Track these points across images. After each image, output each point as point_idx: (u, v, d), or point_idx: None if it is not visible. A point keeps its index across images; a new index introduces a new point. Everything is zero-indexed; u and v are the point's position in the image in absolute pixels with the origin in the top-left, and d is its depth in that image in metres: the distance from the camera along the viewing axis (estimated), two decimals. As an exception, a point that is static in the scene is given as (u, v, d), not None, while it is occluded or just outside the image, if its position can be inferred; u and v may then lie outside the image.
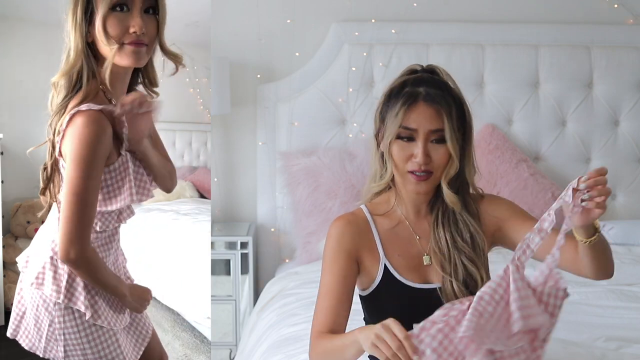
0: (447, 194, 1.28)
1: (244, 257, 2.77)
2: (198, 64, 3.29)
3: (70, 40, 1.30)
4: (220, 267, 2.79)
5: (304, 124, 2.92)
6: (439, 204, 1.34)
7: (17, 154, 3.15)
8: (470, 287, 1.28)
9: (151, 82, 1.43)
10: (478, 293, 1.08)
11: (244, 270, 2.79)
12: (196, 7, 2.93)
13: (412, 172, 1.26)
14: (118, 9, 1.25)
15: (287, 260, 2.91)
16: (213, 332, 2.70)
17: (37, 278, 1.40)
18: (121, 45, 1.27)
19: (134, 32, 1.25)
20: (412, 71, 1.34)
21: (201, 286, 2.60)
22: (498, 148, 2.83)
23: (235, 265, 2.75)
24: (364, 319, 1.39)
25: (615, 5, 3.01)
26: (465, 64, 2.93)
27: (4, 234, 3.01)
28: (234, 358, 2.71)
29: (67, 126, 1.27)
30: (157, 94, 1.45)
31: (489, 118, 2.93)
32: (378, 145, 1.34)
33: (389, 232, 1.34)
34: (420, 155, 1.24)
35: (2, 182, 2.93)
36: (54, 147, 1.32)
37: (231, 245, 2.78)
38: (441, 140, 1.26)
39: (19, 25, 3.03)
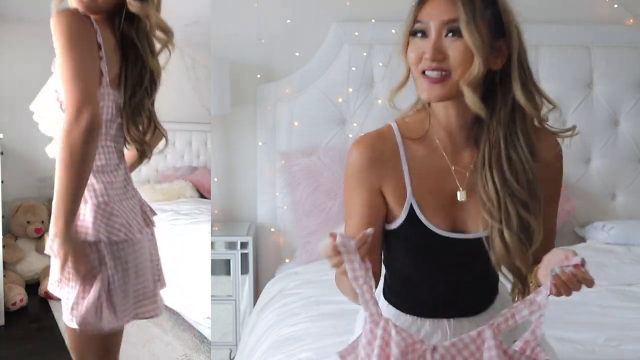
0: (468, 95, 1.07)
1: (244, 257, 2.77)
2: (198, 64, 3.30)
3: None
4: (220, 267, 2.79)
5: (304, 124, 2.92)
6: (485, 136, 1.12)
7: (17, 154, 3.15)
8: (525, 237, 1.10)
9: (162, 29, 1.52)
10: (440, 347, 1.01)
11: (244, 270, 2.78)
12: (196, 7, 2.93)
13: (424, 75, 1.09)
14: None
15: (287, 260, 2.91)
16: (213, 332, 2.70)
17: None
18: None
19: None
20: None
21: (201, 286, 2.60)
22: (498, 148, 2.83)
23: (235, 265, 2.75)
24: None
25: (615, 5, 3.01)
26: (465, 64, 2.93)
27: (4, 234, 3.01)
28: (234, 358, 2.71)
29: None
30: (168, 38, 1.55)
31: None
32: None
33: (420, 162, 1.16)
34: (429, 50, 1.07)
35: (2, 182, 2.93)
36: None
37: (231, 245, 2.78)
38: (458, 33, 1.07)
39: (19, 25, 3.03)
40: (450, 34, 1.08)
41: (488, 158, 1.11)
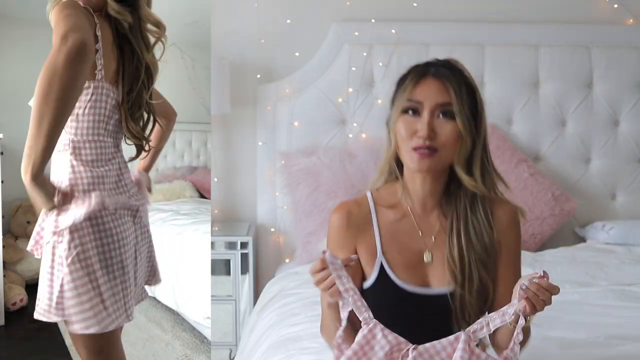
0: (464, 178, 1.23)
1: (244, 257, 2.77)
2: (198, 64, 3.30)
3: None
4: (220, 267, 2.79)
5: (304, 124, 2.92)
6: (453, 207, 1.28)
7: (17, 154, 3.15)
8: (482, 296, 1.25)
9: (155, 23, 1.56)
10: (421, 347, 1.13)
11: (244, 270, 2.78)
12: (196, 7, 2.93)
13: (415, 150, 1.21)
14: None
15: (287, 260, 2.91)
16: (213, 332, 2.70)
17: None
18: None
19: None
20: (427, 62, 1.32)
21: (201, 286, 2.60)
22: (498, 148, 2.83)
23: (235, 265, 2.75)
24: None
25: (615, 5, 3.01)
26: (465, 64, 2.90)
27: (4, 234, 3.01)
28: (234, 358, 2.71)
29: None
30: (161, 32, 1.57)
31: (489, 118, 2.90)
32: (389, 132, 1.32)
33: (391, 226, 1.29)
34: (424, 128, 1.19)
35: (2, 182, 2.93)
36: None
37: (231, 245, 2.78)
38: (448, 115, 1.21)
39: (19, 25, 3.04)
40: (442, 116, 1.21)
41: (456, 226, 1.26)
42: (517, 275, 1.28)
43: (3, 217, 2.94)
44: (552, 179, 2.88)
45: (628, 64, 2.98)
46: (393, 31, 2.91)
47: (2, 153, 2.98)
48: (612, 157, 2.99)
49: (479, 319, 1.21)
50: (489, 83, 2.95)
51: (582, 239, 2.86)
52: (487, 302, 1.25)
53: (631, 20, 3.03)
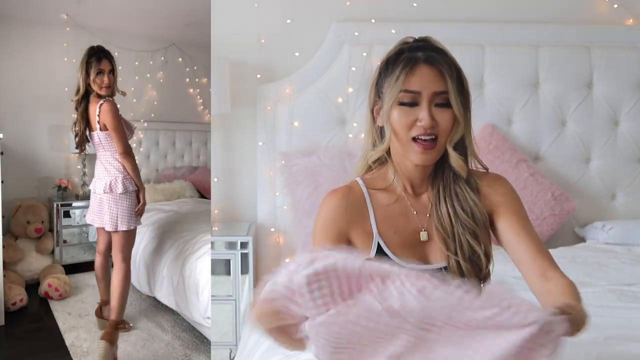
0: (454, 158, 1.25)
1: (244, 257, 2.77)
2: (198, 64, 3.30)
3: (79, 80, 2.75)
4: (220, 267, 2.79)
5: (304, 124, 2.92)
6: (439, 179, 1.30)
7: (17, 154, 3.15)
8: (476, 264, 1.26)
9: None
10: None
11: (244, 270, 2.78)
12: (196, 7, 2.93)
13: (416, 140, 1.22)
14: (99, 73, 2.69)
15: (287, 260, 2.90)
16: (213, 332, 2.70)
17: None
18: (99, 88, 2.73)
19: (104, 82, 2.70)
20: (406, 42, 1.29)
21: (201, 286, 2.60)
22: (498, 148, 2.83)
23: (235, 265, 2.75)
24: None
25: (615, 5, 3.02)
26: (465, 64, 2.88)
27: (4, 234, 3.00)
28: (234, 358, 2.71)
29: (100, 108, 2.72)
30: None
31: (489, 118, 2.93)
32: (374, 119, 1.32)
33: (385, 208, 1.29)
34: (426, 118, 1.20)
35: (2, 182, 2.92)
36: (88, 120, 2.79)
37: (231, 245, 2.78)
38: (444, 104, 1.21)
39: (19, 25, 3.04)
40: (438, 105, 1.21)
41: (443, 195, 1.29)
42: (532, 234, 1.26)
43: (3, 217, 2.94)
44: (552, 179, 2.88)
45: (628, 64, 2.98)
46: (393, 31, 2.91)
47: (2, 153, 2.98)
48: (612, 157, 2.99)
49: (478, 284, 1.22)
50: (489, 83, 2.95)
51: (582, 239, 2.87)
52: (482, 271, 1.26)
53: (631, 20, 3.03)
